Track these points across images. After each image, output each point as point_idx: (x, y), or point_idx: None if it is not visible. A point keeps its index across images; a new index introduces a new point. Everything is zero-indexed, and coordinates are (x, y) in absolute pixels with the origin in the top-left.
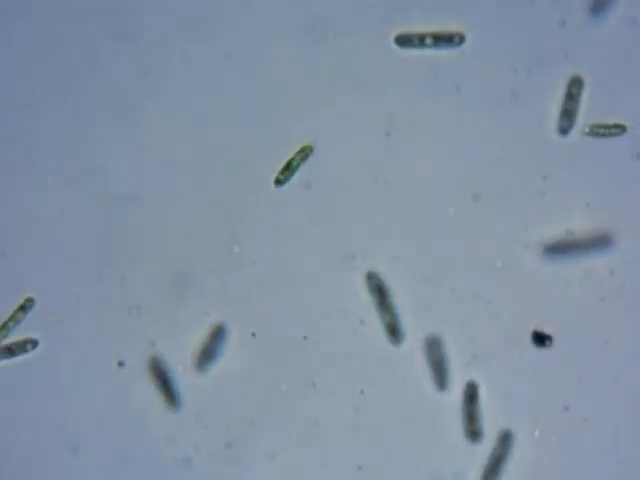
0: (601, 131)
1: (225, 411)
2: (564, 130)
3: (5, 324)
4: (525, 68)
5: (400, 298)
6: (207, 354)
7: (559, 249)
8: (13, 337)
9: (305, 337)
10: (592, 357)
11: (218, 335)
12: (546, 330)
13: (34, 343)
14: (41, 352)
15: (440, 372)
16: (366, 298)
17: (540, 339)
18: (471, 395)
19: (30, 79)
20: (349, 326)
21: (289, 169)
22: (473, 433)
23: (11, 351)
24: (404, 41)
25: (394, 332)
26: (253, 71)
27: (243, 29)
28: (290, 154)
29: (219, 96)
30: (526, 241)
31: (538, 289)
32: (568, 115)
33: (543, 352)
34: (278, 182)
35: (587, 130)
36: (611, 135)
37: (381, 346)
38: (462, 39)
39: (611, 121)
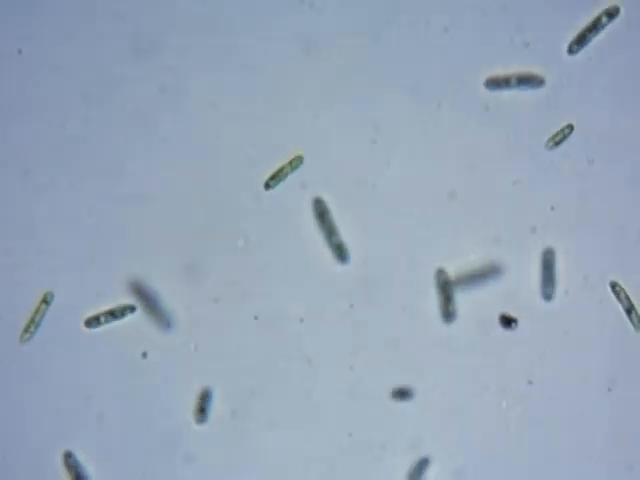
0: (557, 138)
1: (231, 382)
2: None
3: (32, 320)
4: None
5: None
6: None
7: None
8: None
9: (302, 319)
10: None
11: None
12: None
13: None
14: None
15: None
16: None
17: (507, 322)
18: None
19: (54, 93)
20: (340, 310)
21: (280, 176)
22: None
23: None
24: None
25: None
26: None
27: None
28: (282, 162)
29: (223, 105)
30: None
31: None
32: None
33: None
34: (268, 186)
35: (550, 144)
36: (565, 137)
37: (369, 328)
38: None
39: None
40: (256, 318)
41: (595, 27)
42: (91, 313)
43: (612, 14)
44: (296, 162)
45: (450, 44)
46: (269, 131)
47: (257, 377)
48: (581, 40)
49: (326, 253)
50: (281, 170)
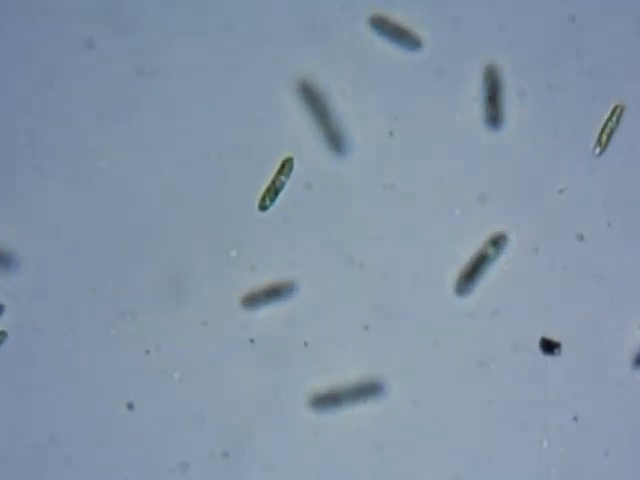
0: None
1: (222, 418)
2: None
3: None
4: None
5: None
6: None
7: None
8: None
9: (306, 343)
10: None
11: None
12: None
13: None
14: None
15: None
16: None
17: (548, 346)
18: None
19: (24, 77)
20: (351, 331)
21: (273, 190)
22: None
23: None
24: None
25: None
26: (254, 66)
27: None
28: (272, 173)
29: (217, 93)
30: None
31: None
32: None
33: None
34: (263, 207)
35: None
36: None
37: (384, 352)
38: None
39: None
40: (252, 341)
41: None
42: None
43: None
44: (287, 165)
45: None
46: (270, 128)
47: (253, 412)
48: None
49: (333, 263)
50: (273, 183)
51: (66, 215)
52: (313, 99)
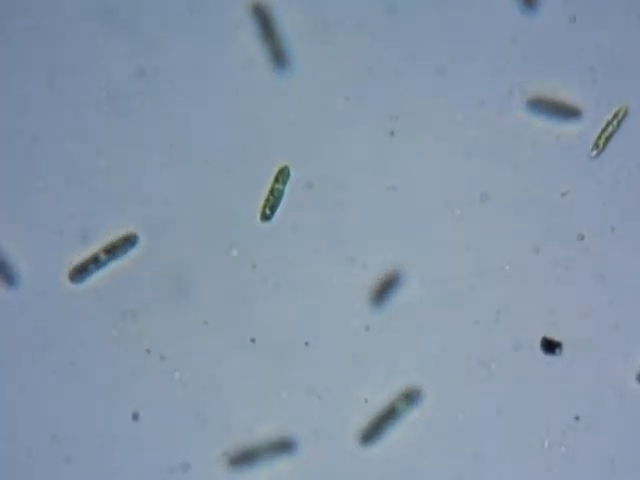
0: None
1: (223, 418)
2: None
3: None
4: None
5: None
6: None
7: None
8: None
9: (307, 343)
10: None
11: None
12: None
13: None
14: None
15: None
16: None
17: (550, 346)
18: None
19: (23, 77)
20: (352, 332)
21: (273, 199)
22: None
23: None
24: None
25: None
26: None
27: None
28: (267, 183)
29: (217, 93)
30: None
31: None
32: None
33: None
34: (265, 217)
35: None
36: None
37: (384, 349)
38: None
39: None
40: (253, 341)
41: None
42: None
43: None
44: (284, 173)
45: None
46: (270, 129)
47: (254, 411)
48: None
49: (334, 263)
50: (272, 191)
51: (65, 214)
52: (265, 20)
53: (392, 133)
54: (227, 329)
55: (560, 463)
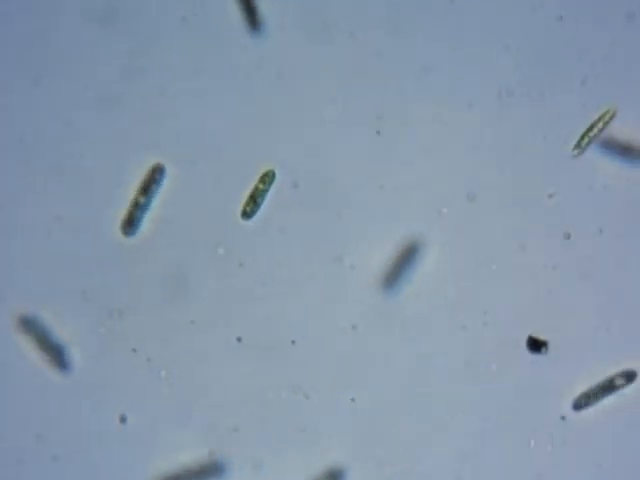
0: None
1: (209, 417)
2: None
3: None
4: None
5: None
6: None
7: None
8: None
9: (293, 342)
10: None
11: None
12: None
13: None
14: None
15: None
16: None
17: (535, 345)
18: None
19: (21, 77)
20: (340, 331)
21: (254, 200)
22: None
23: None
24: None
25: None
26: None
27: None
28: (253, 182)
29: (213, 88)
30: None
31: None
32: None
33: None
34: (246, 215)
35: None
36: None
37: (374, 350)
38: None
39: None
40: (239, 340)
41: None
42: None
43: None
44: (268, 177)
45: None
46: (264, 124)
47: (240, 411)
48: None
49: (320, 262)
50: (255, 192)
51: (61, 214)
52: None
53: (378, 133)
54: (213, 328)
55: (546, 462)
